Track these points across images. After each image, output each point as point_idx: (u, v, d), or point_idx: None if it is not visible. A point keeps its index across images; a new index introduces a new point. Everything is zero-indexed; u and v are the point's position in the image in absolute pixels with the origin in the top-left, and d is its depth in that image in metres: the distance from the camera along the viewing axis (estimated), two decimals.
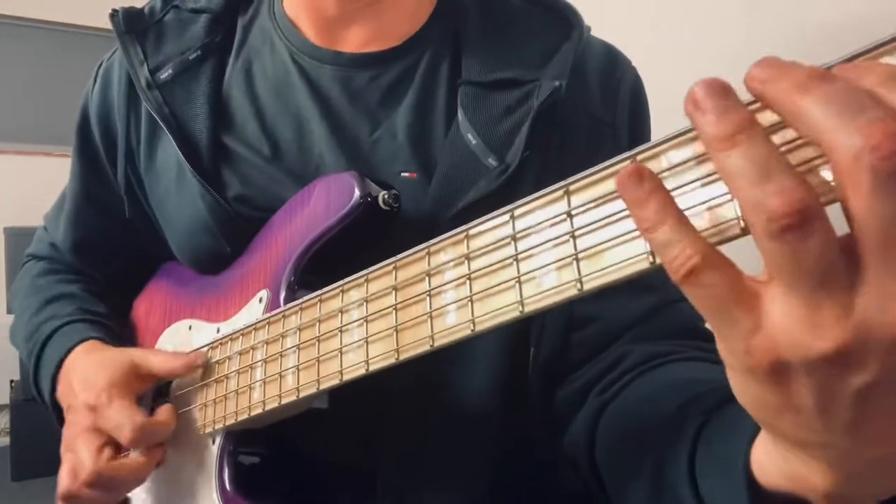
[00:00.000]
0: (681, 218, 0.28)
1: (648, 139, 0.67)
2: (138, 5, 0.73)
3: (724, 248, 0.30)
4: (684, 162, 0.30)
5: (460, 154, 0.60)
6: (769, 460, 0.32)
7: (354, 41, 0.67)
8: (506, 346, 0.60)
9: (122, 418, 0.57)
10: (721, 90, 0.26)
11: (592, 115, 0.63)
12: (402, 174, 0.62)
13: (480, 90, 0.62)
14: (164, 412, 0.60)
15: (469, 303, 0.39)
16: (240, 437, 0.60)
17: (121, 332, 0.76)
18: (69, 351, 0.68)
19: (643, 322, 0.57)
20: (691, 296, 0.27)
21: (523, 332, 0.59)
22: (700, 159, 0.30)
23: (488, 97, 0.61)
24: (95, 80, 0.75)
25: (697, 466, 0.39)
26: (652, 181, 0.28)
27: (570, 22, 0.65)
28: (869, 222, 0.23)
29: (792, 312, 0.25)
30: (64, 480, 0.58)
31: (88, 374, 0.62)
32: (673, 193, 0.30)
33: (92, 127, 0.75)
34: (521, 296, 0.36)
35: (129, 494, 0.68)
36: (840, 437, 0.27)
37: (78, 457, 0.58)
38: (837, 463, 0.28)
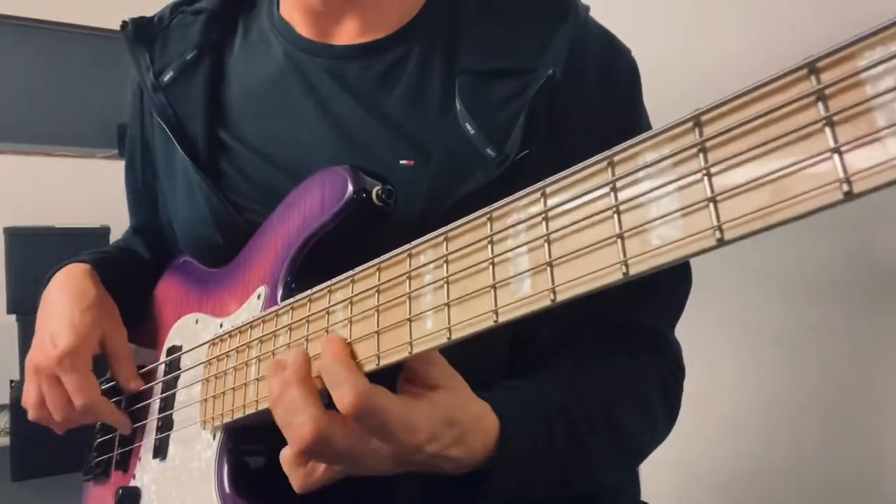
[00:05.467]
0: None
1: (639, 130, 0.64)
2: (136, 7, 0.74)
3: (704, 257, 0.27)
4: (661, 160, 0.28)
5: (458, 143, 0.59)
6: None
7: (347, 33, 0.67)
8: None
9: (78, 388, 0.66)
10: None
11: (588, 104, 0.61)
12: (401, 162, 0.61)
13: (479, 79, 0.60)
14: (118, 413, 0.70)
15: (446, 308, 0.37)
16: (240, 434, 0.59)
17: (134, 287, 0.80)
18: (65, 265, 0.75)
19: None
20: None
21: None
22: (678, 159, 0.27)
23: (487, 86, 0.60)
24: (131, 84, 0.79)
25: None
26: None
27: (567, 2, 0.62)
28: None
29: None
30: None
31: (59, 310, 0.69)
32: (649, 196, 0.28)
33: (129, 127, 0.80)
34: (495, 304, 0.34)
35: (140, 487, 0.69)
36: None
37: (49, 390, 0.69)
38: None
